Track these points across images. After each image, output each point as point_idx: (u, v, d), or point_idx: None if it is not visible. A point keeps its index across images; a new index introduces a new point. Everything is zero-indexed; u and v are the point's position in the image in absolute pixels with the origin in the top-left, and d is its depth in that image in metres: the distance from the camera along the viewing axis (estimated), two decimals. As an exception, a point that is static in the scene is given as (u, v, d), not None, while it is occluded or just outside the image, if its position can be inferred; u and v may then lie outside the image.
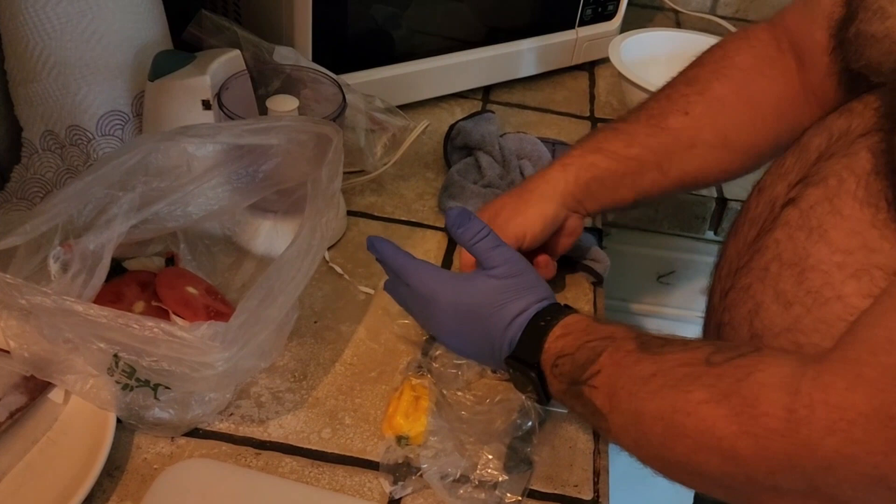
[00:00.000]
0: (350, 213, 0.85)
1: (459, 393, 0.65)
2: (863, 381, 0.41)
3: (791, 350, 0.53)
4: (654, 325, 1.12)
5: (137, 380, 0.58)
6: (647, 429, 0.51)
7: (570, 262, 0.80)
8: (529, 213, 0.71)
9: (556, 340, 0.59)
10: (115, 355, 0.56)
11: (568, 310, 0.62)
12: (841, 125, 0.57)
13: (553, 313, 0.61)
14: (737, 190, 0.97)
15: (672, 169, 0.71)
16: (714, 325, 0.64)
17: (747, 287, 0.58)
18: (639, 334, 0.56)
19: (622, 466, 0.64)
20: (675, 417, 0.48)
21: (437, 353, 0.69)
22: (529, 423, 0.63)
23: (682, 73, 0.74)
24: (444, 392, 0.65)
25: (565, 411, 0.65)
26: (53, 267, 0.59)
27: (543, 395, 0.60)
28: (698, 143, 0.70)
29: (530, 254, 0.73)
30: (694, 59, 0.75)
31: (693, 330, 1.09)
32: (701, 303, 1.08)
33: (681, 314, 1.11)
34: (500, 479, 0.60)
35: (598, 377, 0.55)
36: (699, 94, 0.70)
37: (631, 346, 0.54)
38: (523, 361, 0.60)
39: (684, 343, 0.53)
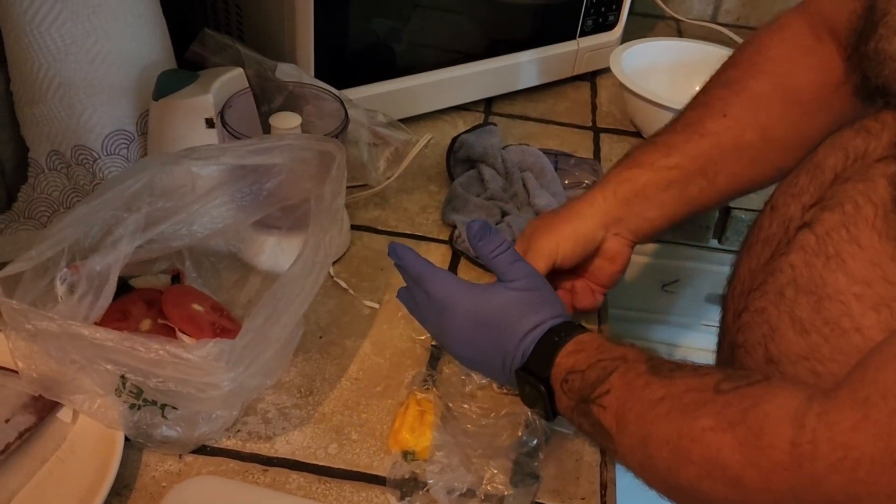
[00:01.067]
0: (354, 227, 0.85)
1: (465, 406, 0.66)
2: (870, 423, 0.41)
3: (809, 378, 0.53)
4: (659, 334, 1.12)
5: (145, 400, 0.58)
6: (653, 452, 0.51)
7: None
8: (563, 231, 0.70)
9: (568, 356, 0.59)
10: (122, 376, 0.56)
11: (582, 329, 0.62)
12: (857, 146, 0.56)
13: (567, 330, 0.61)
14: (741, 199, 0.97)
15: (719, 174, 0.69)
16: (728, 345, 0.63)
17: (761, 310, 0.58)
18: (651, 357, 0.55)
19: (631, 479, 0.64)
20: (682, 443, 0.48)
21: (444, 365, 0.69)
22: (536, 439, 0.63)
23: (716, 77, 0.72)
24: (450, 405, 0.65)
25: (570, 431, 0.66)
26: (60, 289, 0.60)
27: (550, 411, 0.61)
28: (742, 143, 0.68)
29: (564, 277, 0.73)
30: (728, 58, 0.73)
31: (698, 338, 1.10)
32: (706, 311, 1.08)
33: (685, 322, 1.11)
34: (507, 493, 0.60)
35: (607, 397, 0.55)
36: (736, 95, 0.69)
37: (642, 368, 0.54)
38: (534, 374, 0.60)
39: (695, 369, 0.53)
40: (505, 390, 0.68)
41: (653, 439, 0.50)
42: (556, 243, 0.70)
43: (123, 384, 0.57)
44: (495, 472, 0.61)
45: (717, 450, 0.46)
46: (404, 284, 0.70)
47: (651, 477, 0.52)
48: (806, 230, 0.56)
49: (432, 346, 0.72)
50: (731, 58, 0.73)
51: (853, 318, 0.51)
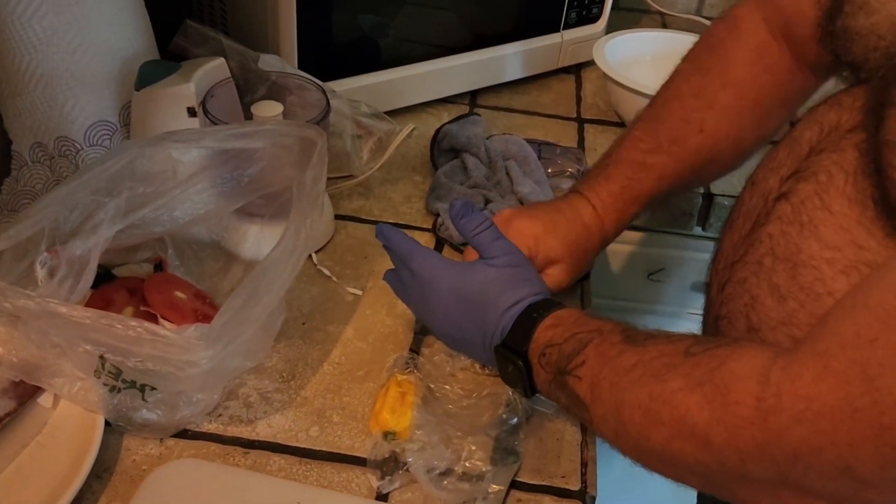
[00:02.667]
0: (338, 216, 0.86)
1: (447, 387, 0.66)
2: (830, 374, 0.42)
3: (787, 344, 0.54)
4: (646, 323, 1.11)
5: (124, 381, 0.58)
6: (626, 418, 0.51)
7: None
8: (561, 246, 0.72)
9: (546, 330, 0.59)
10: (101, 357, 0.56)
11: (561, 305, 0.62)
12: (831, 119, 0.58)
13: (546, 306, 0.61)
14: (723, 185, 0.98)
15: (694, 182, 0.78)
16: (712, 318, 0.64)
17: (743, 280, 0.59)
18: (626, 328, 0.56)
19: (611, 458, 0.64)
20: (653, 405, 0.49)
21: (425, 348, 0.69)
22: (516, 418, 0.64)
23: (687, 82, 0.74)
24: (432, 386, 0.65)
25: (550, 410, 0.66)
26: (40, 272, 0.60)
27: (529, 387, 0.61)
28: (716, 156, 0.73)
29: None
30: (690, 58, 0.75)
31: (684, 327, 1.09)
32: (692, 299, 1.09)
33: (672, 311, 1.12)
34: (486, 470, 0.60)
35: (582, 368, 0.55)
36: (709, 108, 0.72)
37: (616, 338, 0.55)
38: (512, 350, 0.61)
39: (668, 336, 0.54)
40: (487, 371, 0.68)
41: (625, 405, 0.51)
42: (554, 253, 0.71)
43: (102, 365, 0.57)
44: (475, 449, 0.61)
45: (686, 409, 0.47)
46: (388, 271, 0.70)
47: (624, 443, 0.53)
48: (783, 201, 0.57)
49: (414, 333, 0.73)
50: (696, 59, 0.75)
51: (825, 282, 0.52)
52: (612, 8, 1.13)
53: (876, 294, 0.43)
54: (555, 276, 0.72)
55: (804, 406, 0.42)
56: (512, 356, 0.60)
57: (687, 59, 0.75)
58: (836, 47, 0.61)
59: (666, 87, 0.75)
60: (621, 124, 1.06)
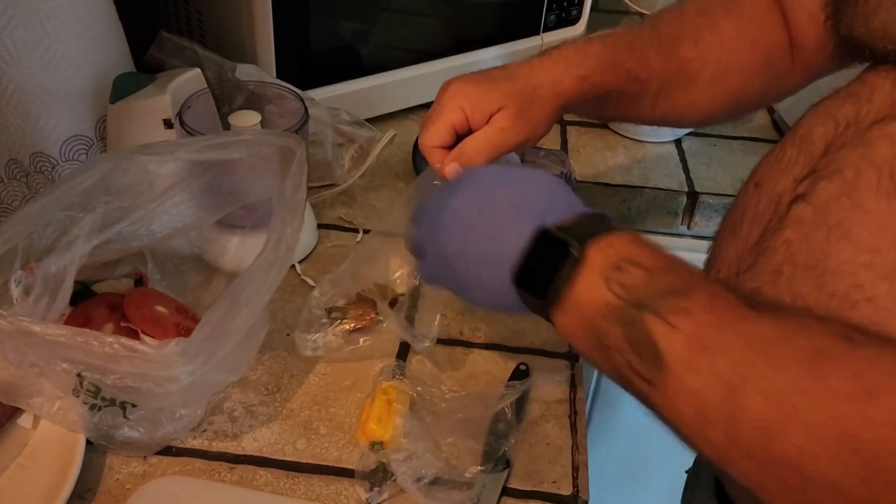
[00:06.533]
0: (321, 225, 0.85)
1: (434, 390, 0.65)
2: None
3: None
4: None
5: (103, 399, 0.57)
6: (745, 407, 0.39)
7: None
8: (502, 95, 0.62)
9: (626, 243, 0.46)
10: (79, 375, 0.55)
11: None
12: (847, 112, 0.53)
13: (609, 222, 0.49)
14: (707, 183, 0.98)
15: (665, 101, 0.68)
16: None
17: (755, 291, 0.52)
18: (731, 286, 0.46)
19: (614, 465, 0.63)
20: (799, 404, 0.37)
21: (413, 356, 0.68)
22: (506, 423, 0.63)
23: (693, 1, 0.70)
24: (420, 389, 0.64)
25: (540, 411, 0.65)
26: (15, 291, 0.59)
27: (559, 287, 0.46)
28: (699, 79, 0.67)
29: None
30: None
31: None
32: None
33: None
34: (477, 478, 0.59)
35: (682, 316, 0.41)
36: (709, 28, 0.68)
37: (731, 296, 0.43)
38: (570, 234, 0.46)
39: (800, 309, 0.44)
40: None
41: (747, 392, 0.39)
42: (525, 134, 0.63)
43: (81, 383, 0.56)
44: (466, 457, 0.60)
45: (857, 426, 0.36)
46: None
47: (722, 435, 0.40)
48: (801, 203, 0.51)
49: (401, 341, 0.72)
50: None
51: (863, 288, 0.46)
52: (592, 10, 1.12)
53: None
54: (501, 121, 0.61)
55: None
56: (569, 239, 0.46)
57: None
58: (853, 21, 0.54)
59: (670, 6, 0.71)
60: (604, 126, 1.06)
